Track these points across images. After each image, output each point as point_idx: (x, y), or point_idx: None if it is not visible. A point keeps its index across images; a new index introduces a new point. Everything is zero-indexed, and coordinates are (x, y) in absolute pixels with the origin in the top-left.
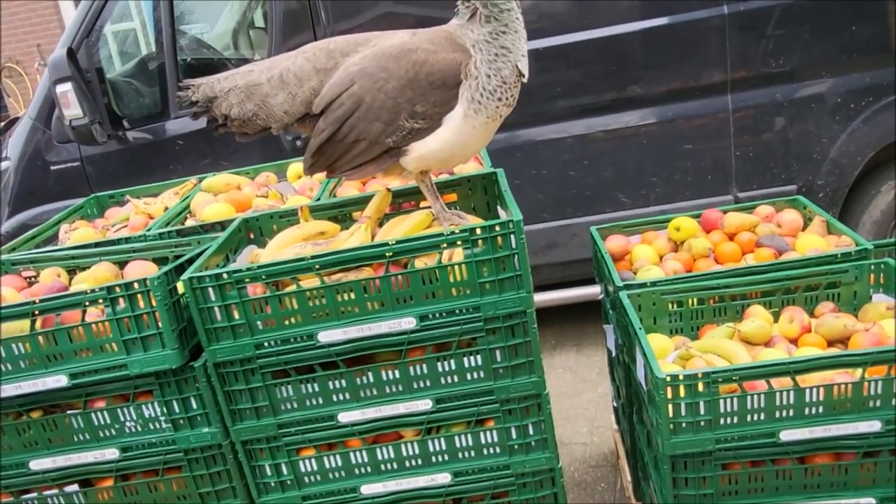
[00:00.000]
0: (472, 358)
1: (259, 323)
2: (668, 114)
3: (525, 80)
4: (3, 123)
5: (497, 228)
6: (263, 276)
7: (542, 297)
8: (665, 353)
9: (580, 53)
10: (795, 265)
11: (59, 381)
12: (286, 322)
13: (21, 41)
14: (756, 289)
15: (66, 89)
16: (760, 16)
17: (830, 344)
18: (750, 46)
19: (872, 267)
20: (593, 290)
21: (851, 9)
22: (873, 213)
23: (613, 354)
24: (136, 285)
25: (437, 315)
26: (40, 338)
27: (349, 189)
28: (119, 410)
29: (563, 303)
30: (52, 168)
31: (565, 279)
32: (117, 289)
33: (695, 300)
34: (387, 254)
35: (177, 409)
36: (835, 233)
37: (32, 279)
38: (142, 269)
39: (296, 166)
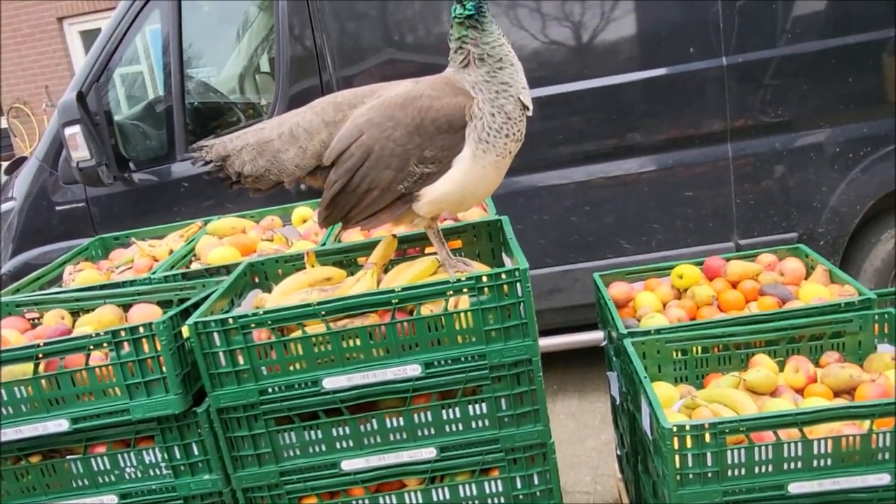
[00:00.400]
0: (477, 406)
1: (264, 369)
2: (670, 161)
3: (530, 112)
4: (8, 163)
5: (503, 276)
6: (269, 322)
7: (545, 343)
8: (670, 402)
9: (584, 102)
10: (799, 314)
11: (60, 425)
12: (291, 368)
13: (30, 82)
14: (760, 337)
15: (74, 132)
16: (758, 67)
17: (836, 394)
18: (749, 97)
19: (876, 317)
20: (596, 336)
21: (848, 60)
22: (874, 261)
23: (617, 402)
24: (141, 329)
25: (443, 362)
26: (43, 381)
27: (354, 234)
28: (119, 456)
29: (565, 348)
30: (57, 208)
31: (568, 324)
32: (122, 333)
33: (699, 348)
34: (393, 300)
35: (178, 456)
36: (837, 282)
37: (36, 321)
38: (146, 313)
39: (301, 210)
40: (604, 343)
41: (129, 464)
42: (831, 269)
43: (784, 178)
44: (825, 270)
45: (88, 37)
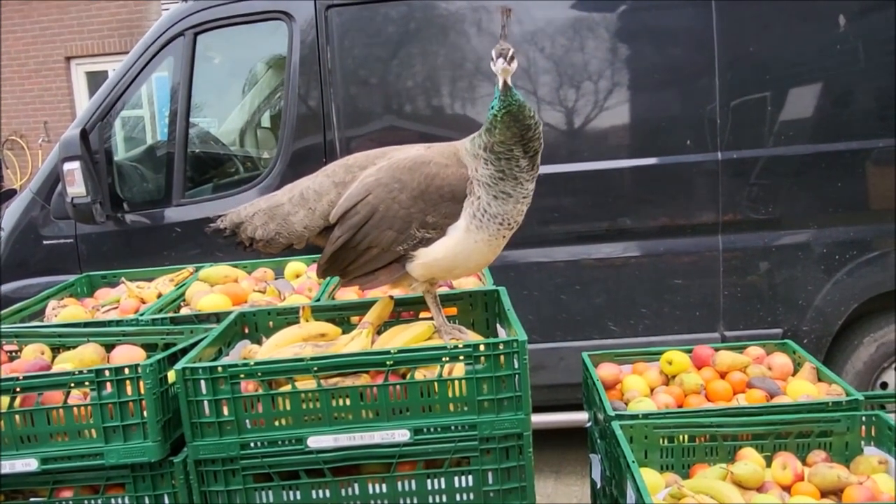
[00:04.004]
0: (463, 478)
1: (248, 422)
2: (661, 248)
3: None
4: None
5: (501, 347)
6: (259, 374)
7: None
8: (655, 490)
9: (583, 183)
10: (788, 410)
11: (28, 464)
12: (276, 423)
13: (29, 116)
14: (748, 430)
15: (73, 167)
16: (752, 165)
17: (823, 494)
18: (741, 192)
19: (864, 419)
20: (580, 417)
21: (838, 166)
22: (856, 363)
23: (599, 486)
24: (126, 371)
25: (432, 430)
26: (17, 416)
27: (348, 292)
28: (86, 502)
29: (546, 427)
30: (44, 242)
31: (549, 403)
32: (106, 372)
33: (686, 437)
34: (388, 362)
35: None
36: (824, 380)
37: (14, 354)
38: (129, 355)
39: (294, 265)
40: (588, 424)
41: None
42: (819, 366)
43: (771, 274)
44: (812, 368)
45: (94, 77)
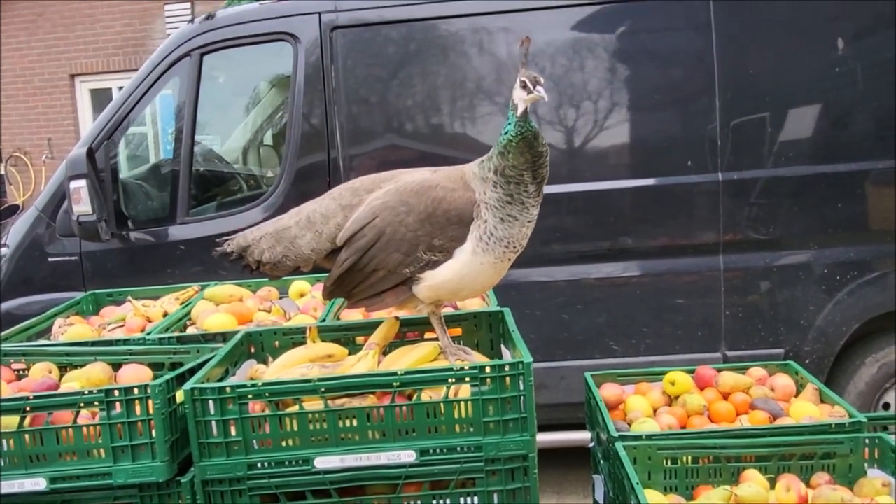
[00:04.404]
0: (468, 499)
1: (255, 442)
2: (662, 268)
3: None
4: None
5: (507, 368)
6: (267, 394)
7: None
8: None
9: (585, 203)
10: (791, 431)
11: (37, 483)
12: (283, 444)
13: (33, 133)
14: (752, 452)
15: (79, 186)
16: (752, 185)
17: None
18: (742, 212)
19: (867, 441)
20: (583, 437)
21: (838, 187)
22: (858, 383)
23: None
24: (136, 391)
25: (438, 451)
26: (27, 436)
27: (353, 312)
28: None
29: (548, 446)
30: (49, 259)
31: (551, 422)
32: (116, 392)
33: (689, 458)
34: (394, 383)
35: None
36: (827, 401)
37: (22, 372)
38: (136, 374)
39: (298, 284)
40: (591, 444)
41: None
42: (821, 388)
43: (773, 294)
44: (815, 389)
45: (98, 95)
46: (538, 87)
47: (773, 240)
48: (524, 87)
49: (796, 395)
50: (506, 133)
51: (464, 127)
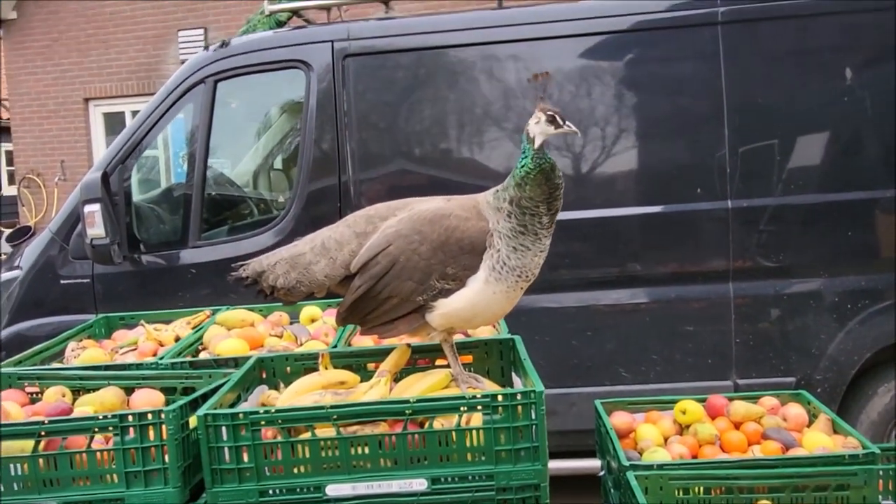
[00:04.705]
0: None
1: (267, 469)
2: (672, 295)
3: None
4: (10, 231)
5: (519, 397)
6: (280, 421)
7: None
8: None
9: (595, 230)
10: (804, 462)
11: None
12: (295, 470)
13: (47, 155)
14: (764, 483)
15: (94, 209)
16: (761, 213)
17: None
18: (751, 240)
19: (881, 472)
20: (593, 465)
21: (848, 215)
22: (871, 413)
23: None
24: (149, 416)
25: (450, 479)
26: (41, 460)
27: (365, 338)
28: None
29: (557, 474)
30: (62, 282)
31: (559, 449)
32: (130, 417)
33: (701, 489)
34: (407, 411)
35: None
36: (840, 432)
37: (35, 396)
38: (149, 399)
39: (309, 310)
40: (601, 473)
41: None
42: (834, 418)
43: (783, 322)
44: (828, 419)
45: (111, 118)
46: (568, 122)
47: (784, 267)
48: (552, 121)
49: (809, 426)
50: (523, 165)
51: (472, 152)
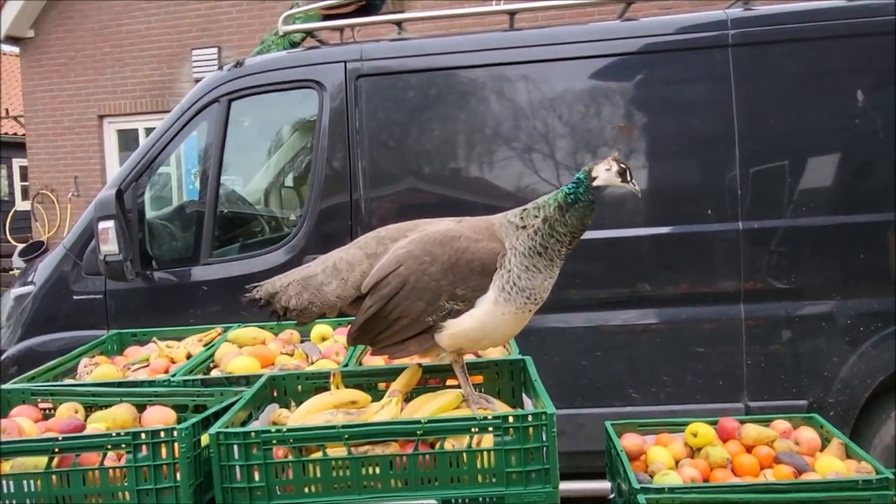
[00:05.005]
0: None
1: (278, 488)
2: (683, 316)
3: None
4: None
5: (530, 419)
6: (291, 440)
7: None
8: None
9: (605, 250)
10: (817, 487)
11: None
12: (306, 490)
13: (61, 171)
14: None
15: (108, 226)
16: (772, 234)
17: None
18: (762, 261)
19: (895, 498)
20: (603, 487)
21: (860, 237)
22: (884, 437)
23: None
24: (162, 434)
25: (460, 501)
26: (53, 477)
27: (376, 358)
28: None
29: (566, 495)
30: (74, 298)
31: (569, 470)
32: (143, 435)
33: None
34: (418, 431)
35: None
36: (853, 457)
37: (48, 412)
38: (161, 416)
39: (320, 328)
40: (611, 496)
41: None
42: (847, 442)
43: (795, 344)
44: (841, 444)
45: (124, 135)
46: (634, 181)
47: (795, 289)
48: (622, 174)
49: (821, 450)
50: (573, 193)
51: (481, 171)
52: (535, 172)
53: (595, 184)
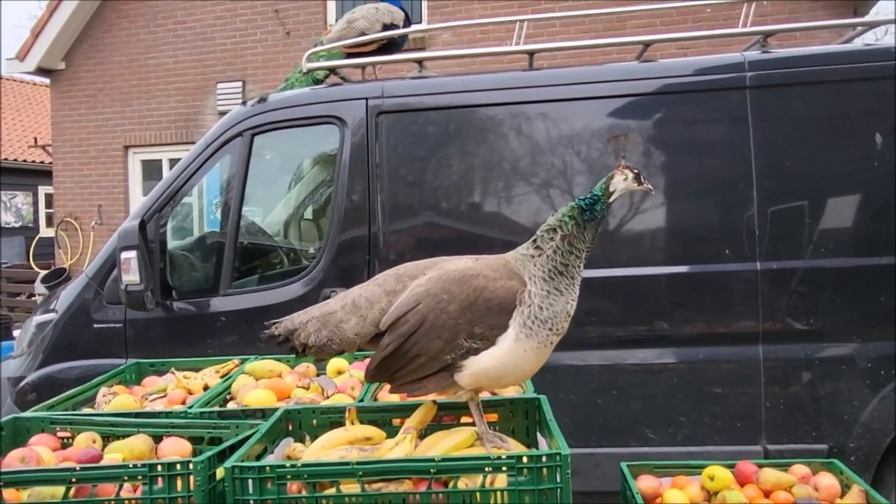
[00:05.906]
0: None
1: None
2: (700, 356)
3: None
4: (45, 272)
5: (544, 459)
6: (306, 475)
7: None
8: None
9: (623, 288)
10: None
11: None
12: None
13: (85, 199)
14: None
15: (130, 257)
16: (791, 275)
17: None
18: (781, 302)
19: None
20: None
21: (878, 279)
22: None
23: None
24: (178, 466)
25: None
26: None
27: (391, 394)
28: None
29: None
30: (95, 326)
31: None
32: (159, 467)
33: None
34: (432, 469)
35: None
36: None
37: (66, 440)
38: (177, 448)
39: (336, 362)
40: None
41: None
42: (867, 489)
43: (815, 387)
44: (861, 490)
45: (148, 165)
46: (647, 181)
47: (815, 331)
48: (637, 178)
49: (841, 496)
50: (590, 210)
51: (499, 207)
52: (552, 209)
53: (613, 197)
